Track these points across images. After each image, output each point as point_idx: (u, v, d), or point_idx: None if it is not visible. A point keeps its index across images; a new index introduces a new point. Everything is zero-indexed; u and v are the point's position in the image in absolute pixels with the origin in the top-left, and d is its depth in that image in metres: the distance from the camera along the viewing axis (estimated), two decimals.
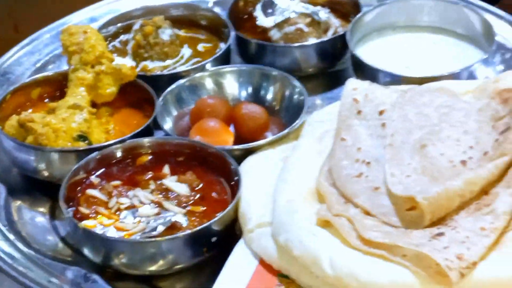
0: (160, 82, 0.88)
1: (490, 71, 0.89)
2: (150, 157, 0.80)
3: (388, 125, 0.77)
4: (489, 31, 0.90)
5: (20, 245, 0.75)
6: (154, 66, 0.94)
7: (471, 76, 0.87)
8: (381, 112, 0.78)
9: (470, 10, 0.95)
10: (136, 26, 0.97)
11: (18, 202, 0.81)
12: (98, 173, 0.78)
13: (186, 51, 0.97)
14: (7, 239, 0.75)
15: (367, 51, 0.94)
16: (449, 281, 0.60)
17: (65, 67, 0.90)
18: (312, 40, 0.94)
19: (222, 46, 0.95)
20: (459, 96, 0.80)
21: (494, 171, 0.69)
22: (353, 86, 0.82)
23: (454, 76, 0.86)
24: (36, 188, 0.82)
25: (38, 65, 0.97)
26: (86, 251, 0.73)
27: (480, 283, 0.62)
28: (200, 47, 0.97)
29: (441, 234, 0.64)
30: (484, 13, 0.95)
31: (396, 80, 0.86)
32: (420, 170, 0.71)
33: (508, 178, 0.69)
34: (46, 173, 0.81)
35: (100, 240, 0.72)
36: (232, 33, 0.95)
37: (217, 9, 1.02)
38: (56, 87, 0.89)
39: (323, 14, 0.98)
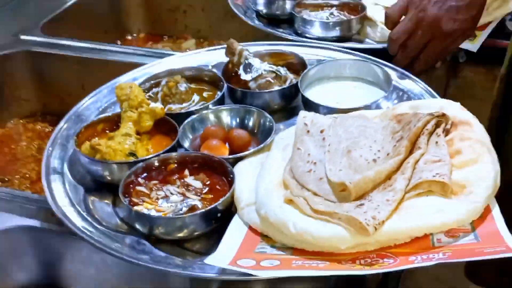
0: (180, 117, 0.88)
1: (389, 104, 0.89)
2: (175, 165, 0.80)
3: (326, 139, 0.77)
4: (388, 78, 0.91)
5: (95, 224, 0.75)
6: (176, 107, 0.94)
7: (378, 107, 0.87)
8: (321, 131, 0.79)
9: (375, 65, 0.95)
10: (163, 82, 0.97)
11: (92, 197, 0.80)
12: (143, 176, 0.79)
13: (196, 97, 0.96)
14: (87, 220, 0.75)
15: (312, 93, 0.93)
16: (368, 233, 0.61)
17: (118, 110, 0.90)
18: (276, 88, 0.94)
19: (219, 93, 0.93)
20: (371, 119, 0.80)
21: (394, 165, 0.70)
22: (303, 115, 0.82)
23: (367, 107, 0.86)
24: (103, 188, 0.82)
25: (100, 109, 0.96)
26: (137, 226, 0.73)
27: (386, 233, 0.63)
28: (205, 94, 0.97)
29: (361, 204, 0.65)
30: (384, 67, 0.95)
31: (330, 111, 0.86)
32: (347, 166, 0.71)
33: (403, 168, 0.70)
34: (109, 178, 0.81)
35: (146, 218, 0.72)
36: (225, 85, 0.94)
37: (214, 70, 1.01)
38: (113, 123, 0.89)
39: (283, 71, 0.98)
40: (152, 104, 0.90)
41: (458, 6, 0.93)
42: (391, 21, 1.00)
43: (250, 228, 0.71)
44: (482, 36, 1.02)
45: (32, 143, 1.23)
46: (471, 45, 1.01)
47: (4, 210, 0.85)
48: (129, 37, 1.64)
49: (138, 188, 0.77)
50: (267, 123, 0.87)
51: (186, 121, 0.88)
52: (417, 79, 0.96)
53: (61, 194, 0.80)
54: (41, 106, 1.32)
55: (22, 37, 1.30)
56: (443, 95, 1.60)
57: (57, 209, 0.77)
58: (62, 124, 0.93)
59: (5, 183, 1.14)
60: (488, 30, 1.03)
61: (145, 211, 0.73)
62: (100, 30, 1.52)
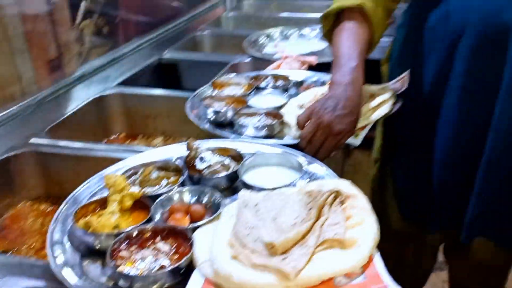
0: (153, 197, 0.87)
1: (303, 182, 0.91)
2: (150, 233, 0.79)
3: (259, 210, 0.79)
4: (300, 165, 0.94)
5: (88, 282, 0.73)
6: (149, 190, 0.93)
7: (294, 185, 0.89)
8: (256, 205, 0.80)
9: (291, 155, 0.99)
10: (140, 172, 0.97)
11: (86, 261, 0.78)
12: (125, 243, 0.77)
13: (164, 182, 0.95)
14: (81, 280, 0.74)
15: (248, 177, 0.95)
16: (291, 279, 0.63)
17: (106, 193, 0.88)
18: (223, 174, 0.95)
19: (181, 178, 0.93)
20: (290, 195, 0.82)
21: (307, 227, 0.72)
22: (243, 193, 0.84)
23: (287, 186, 0.88)
24: (94, 254, 0.79)
25: (92, 193, 0.94)
26: (120, 283, 0.72)
27: (303, 278, 0.64)
28: (171, 179, 0.96)
29: (285, 257, 0.67)
30: (298, 156, 0.99)
31: (261, 189, 0.87)
32: (275, 229, 0.72)
33: (313, 230, 0.72)
34: (99, 246, 0.79)
35: (127, 276, 0.71)
36: (186, 172, 0.95)
37: (177, 161, 1.01)
38: (102, 204, 0.87)
39: (227, 161, 1.00)
40: (132, 188, 0.89)
41: (343, 113, 1.00)
42: (300, 125, 1.04)
43: (206, 280, 0.71)
44: (362, 134, 1.08)
45: (37, 220, 1.19)
46: (355, 140, 1.07)
47: (15, 274, 0.82)
48: (113, 136, 1.64)
49: (121, 252, 0.76)
50: (217, 199, 0.88)
51: (157, 200, 0.88)
52: (321, 164, 0.99)
53: (61, 260, 0.78)
54: (44, 191, 1.29)
55: (31, 139, 1.28)
56: (341, 171, 1.67)
57: (58, 271, 0.75)
58: (63, 206, 0.91)
59: (14, 253, 1.08)
60: (366, 129, 1.10)
61: (126, 271, 0.72)
62: (91, 132, 1.52)
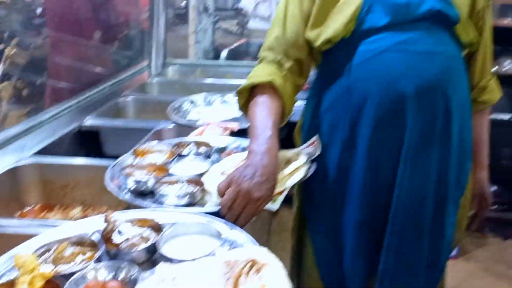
0: (67, 276, 0.84)
1: (224, 249, 0.92)
2: None
3: (177, 284, 0.79)
4: (220, 233, 0.96)
5: None
6: (63, 268, 0.89)
7: (214, 254, 0.90)
8: (173, 278, 0.80)
9: (212, 223, 1.00)
10: (53, 248, 0.94)
11: None
12: None
13: (79, 258, 0.92)
14: None
15: (168, 248, 0.94)
16: None
17: (15, 274, 0.85)
18: (141, 246, 0.94)
19: (97, 254, 0.92)
20: (209, 265, 0.83)
21: None
22: (160, 267, 0.84)
23: (207, 255, 0.89)
24: None
25: (0, 275, 0.88)
26: None
27: None
28: (87, 255, 0.94)
29: None
30: (218, 223, 1.00)
31: (181, 261, 0.87)
32: None
33: None
34: None
35: None
36: (103, 247, 0.92)
37: (93, 236, 0.97)
38: (10, 287, 0.83)
39: (147, 232, 0.98)
40: (43, 268, 0.86)
41: (261, 181, 1.05)
42: (220, 193, 1.08)
43: None
44: (280, 199, 1.14)
45: None
46: (273, 205, 1.12)
47: None
48: (28, 208, 1.56)
49: None
50: (134, 274, 0.86)
51: (71, 278, 0.85)
52: (242, 230, 1.01)
53: None
54: None
55: None
56: (268, 231, 1.69)
57: None
58: None
59: None
60: (283, 194, 1.15)
61: None
62: (3, 205, 1.46)
